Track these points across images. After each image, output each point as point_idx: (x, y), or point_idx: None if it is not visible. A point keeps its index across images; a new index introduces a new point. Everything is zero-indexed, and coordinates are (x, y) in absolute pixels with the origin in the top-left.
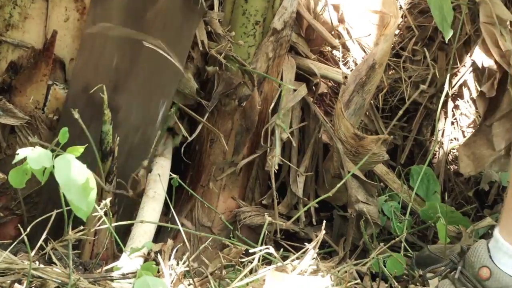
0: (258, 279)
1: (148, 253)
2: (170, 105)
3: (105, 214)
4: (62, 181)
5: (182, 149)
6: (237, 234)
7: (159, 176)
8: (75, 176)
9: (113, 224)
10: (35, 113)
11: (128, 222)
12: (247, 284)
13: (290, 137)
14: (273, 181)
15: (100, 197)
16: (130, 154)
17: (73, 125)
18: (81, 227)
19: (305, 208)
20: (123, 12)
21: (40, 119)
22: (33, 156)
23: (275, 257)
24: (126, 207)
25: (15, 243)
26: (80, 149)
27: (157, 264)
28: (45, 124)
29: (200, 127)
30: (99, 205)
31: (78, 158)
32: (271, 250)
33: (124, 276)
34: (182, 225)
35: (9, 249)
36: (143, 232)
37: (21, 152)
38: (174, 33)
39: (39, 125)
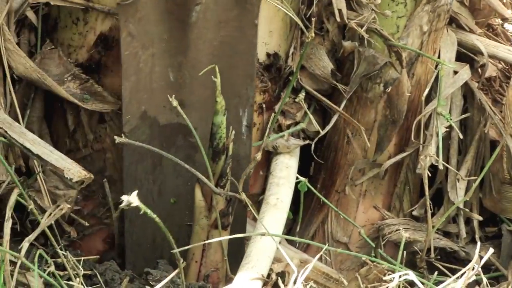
0: None
1: (268, 275)
2: (252, 111)
3: (215, 226)
4: None
5: (313, 146)
6: (380, 252)
7: (283, 179)
8: None
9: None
10: None
11: (245, 234)
12: None
13: (452, 129)
14: (426, 187)
15: (209, 205)
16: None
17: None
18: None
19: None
20: (161, 19)
21: None
22: None
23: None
24: (238, 218)
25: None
26: None
27: None
28: None
29: (335, 118)
30: (206, 216)
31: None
32: (412, 275)
33: None
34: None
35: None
36: (262, 248)
37: None
38: (232, 29)
39: None
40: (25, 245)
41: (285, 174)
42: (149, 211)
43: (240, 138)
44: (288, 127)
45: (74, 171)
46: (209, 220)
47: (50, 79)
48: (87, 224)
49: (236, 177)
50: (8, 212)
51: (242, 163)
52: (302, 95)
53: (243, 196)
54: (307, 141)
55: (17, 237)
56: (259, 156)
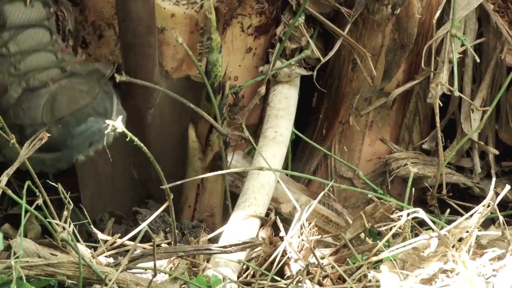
0: (408, 252)
1: (267, 214)
2: None
3: (210, 169)
4: None
5: (315, 73)
6: (387, 188)
7: (282, 111)
8: None
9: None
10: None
11: (241, 169)
12: (393, 257)
13: (465, 56)
14: (437, 117)
15: (203, 147)
16: None
17: None
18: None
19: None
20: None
21: None
22: None
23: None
24: None
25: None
26: None
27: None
28: None
29: (338, 43)
30: (201, 158)
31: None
32: (422, 213)
33: (226, 249)
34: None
35: None
36: (259, 185)
37: None
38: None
39: None
40: (3, 179)
41: (284, 106)
42: (135, 139)
43: None
44: (293, 51)
45: None
46: (204, 163)
47: None
48: None
49: None
50: None
51: None
52: (301, 19)
53: (246, 133)
54: (310, 72)
55: None
56: (263, 90)
